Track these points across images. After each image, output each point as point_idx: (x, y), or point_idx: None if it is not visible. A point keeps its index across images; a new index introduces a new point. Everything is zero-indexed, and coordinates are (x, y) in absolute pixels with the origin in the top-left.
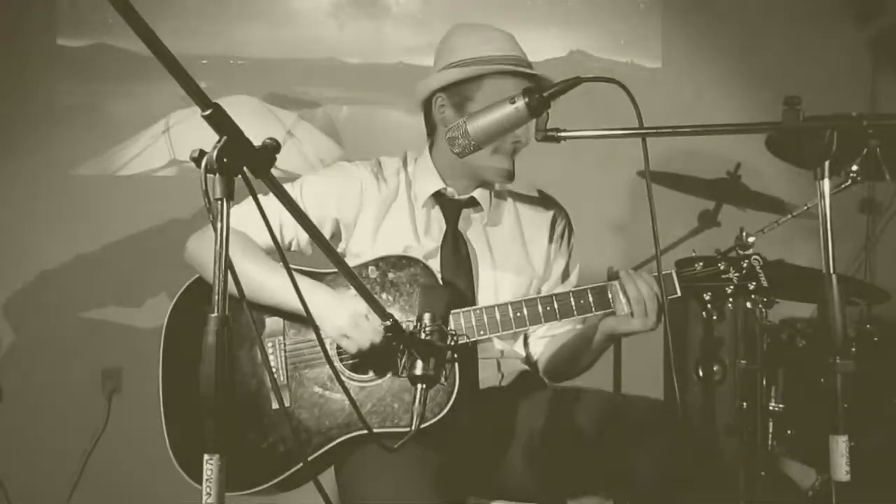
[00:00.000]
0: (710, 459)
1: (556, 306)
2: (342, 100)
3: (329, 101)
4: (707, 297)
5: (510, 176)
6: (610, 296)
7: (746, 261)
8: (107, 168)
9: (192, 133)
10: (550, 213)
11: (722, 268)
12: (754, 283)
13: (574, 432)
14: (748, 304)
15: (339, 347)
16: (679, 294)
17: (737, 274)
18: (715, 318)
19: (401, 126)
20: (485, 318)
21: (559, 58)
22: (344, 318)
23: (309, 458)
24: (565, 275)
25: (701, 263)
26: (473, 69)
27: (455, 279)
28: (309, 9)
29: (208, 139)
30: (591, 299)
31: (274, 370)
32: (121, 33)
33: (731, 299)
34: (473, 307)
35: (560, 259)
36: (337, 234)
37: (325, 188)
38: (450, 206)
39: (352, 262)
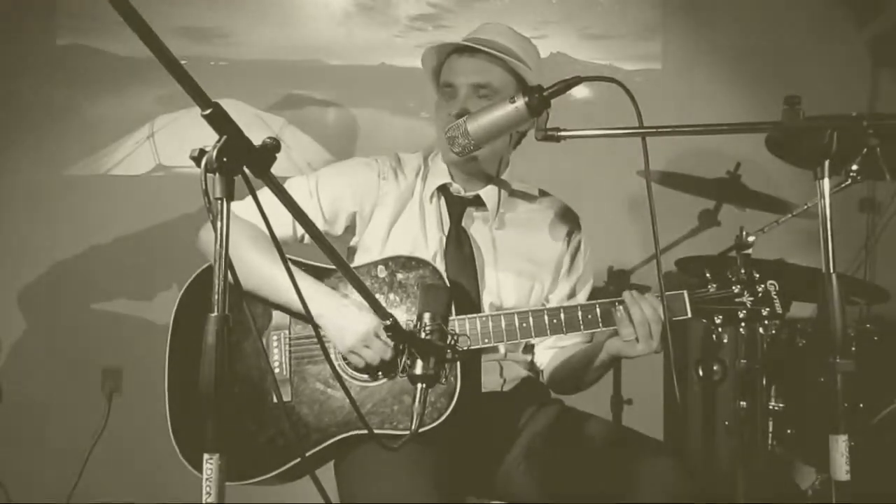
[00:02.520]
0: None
1: (562, 319)
2: (329, 102)
3: (316, 104)
4: (718, 321)
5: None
6: (616, 318)
7: (762, 286)
8: (94, 171)
9: (176, 138)
10: (564, 226)
11: (736, 291)
12: (768, 309)
13: (575, 446)
14: (761, 330)
15: None
16: (689, 315)
17: (751, 298)
18: (725, 340)
19: (387, 128)
20: (490, 325)
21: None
22: (355, 336)
23: (307, 454)
24: (571, 294)
25: (715, 286)
26: (429, 64)
27: (459, 277)
28: (291, 8)
29: (192, 144)
30: (598, 314)
31: (277, 363)
32: (105, 35)
33: (742, 323)
34: (479, 314)
35: (570, 277)
36: (352, 227)
37: (342, 181)
38: (454, 203)
39: (363, 254)
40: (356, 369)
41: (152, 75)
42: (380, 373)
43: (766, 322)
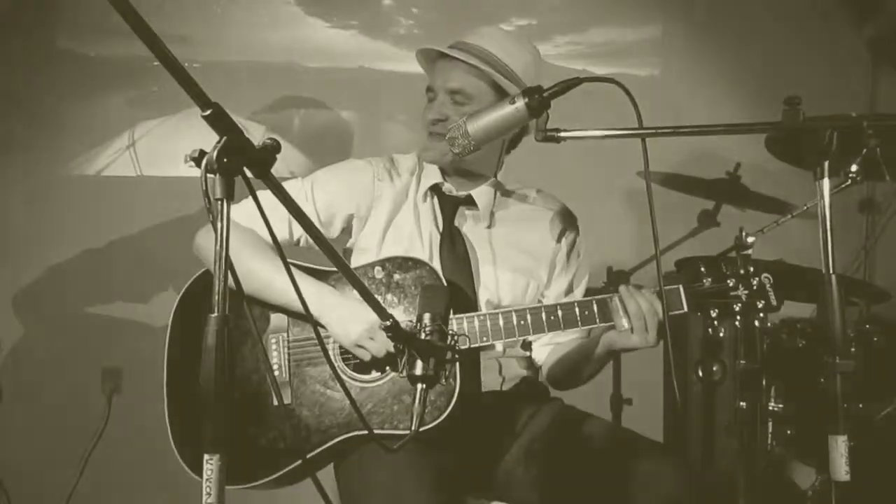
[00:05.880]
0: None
1: (560, 316)
2: (309, 105)
3: (296, 105)
4: (714, 314)
5: (444, 155)
6: (611, 308)
7: (756, 279)
8: (84, 171)
9: (156, 147)
10: (560, 224)
11: (731, 284)
12: (763, 302)
13: (575, 446)
14: (756, 323)
15: (342, 348)
16: (685, 310)
17: (746, 292)
18: (722, 334)
19: (365, 132)
20: (488, 323)
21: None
22: (359, 329)
23: (308, 456)
24: (569, 290)
25: (710, 279)
26: (422, 66)
27: (453, 275)
28: (268, 10)
29: (175, 153)
30: (595, 310)
31: (277, 366)
32: (86, 37)
33: (738, 317)
34: (477, 313)
35: (566, 274)
36: (348, 229)
37: (337, 183)
38: (446, 202)
39: (359, 256)
40: (361, 365)
41: (129, 78)
42: (387, 367)
43: (761, 315)
